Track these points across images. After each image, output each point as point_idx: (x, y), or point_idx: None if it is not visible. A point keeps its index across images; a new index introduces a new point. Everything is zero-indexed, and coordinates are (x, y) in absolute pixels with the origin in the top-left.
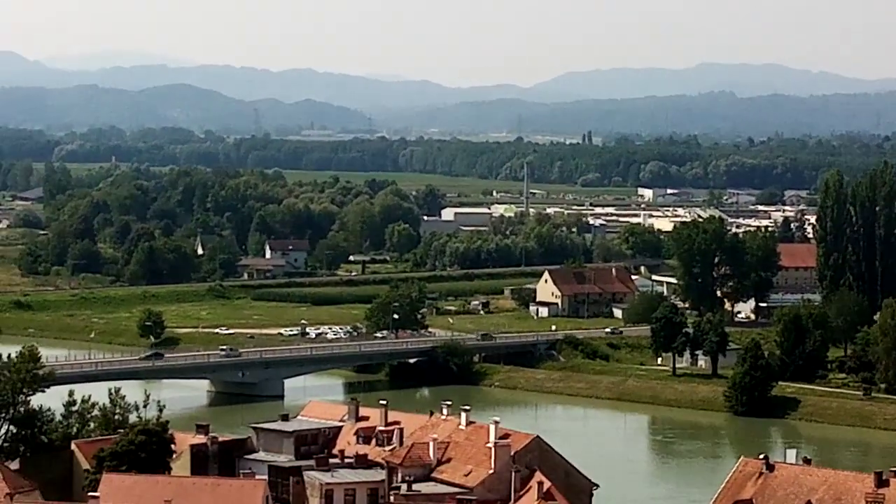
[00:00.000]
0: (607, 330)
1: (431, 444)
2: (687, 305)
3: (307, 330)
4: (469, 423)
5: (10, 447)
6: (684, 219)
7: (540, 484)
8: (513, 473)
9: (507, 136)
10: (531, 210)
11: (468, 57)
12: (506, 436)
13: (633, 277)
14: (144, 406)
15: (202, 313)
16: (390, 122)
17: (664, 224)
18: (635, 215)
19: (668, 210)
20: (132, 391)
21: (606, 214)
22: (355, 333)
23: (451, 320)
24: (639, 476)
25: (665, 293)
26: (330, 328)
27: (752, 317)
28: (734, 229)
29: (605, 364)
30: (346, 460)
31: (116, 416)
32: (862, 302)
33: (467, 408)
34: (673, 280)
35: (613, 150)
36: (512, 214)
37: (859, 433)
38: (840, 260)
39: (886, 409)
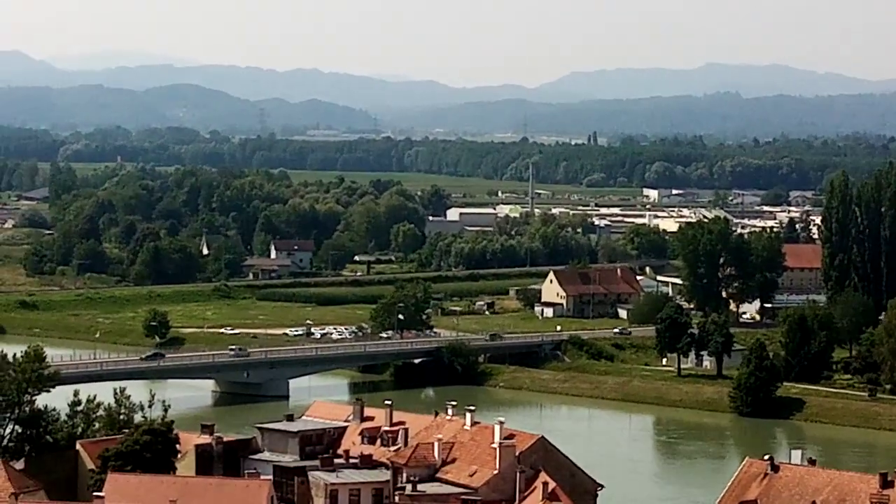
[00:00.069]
0: (616, 330)
1: (436, 444)
2: (692, 306)
3: (312, 330)
4: (474, 423)
5: (15, 447)
6: (689, 219)
7: (545, 484)
8: (518, 474)
9: (513, 137)
10: (536, 210)
11: (473, 57)
12: (510, 436)
13: (638, 278)
14: (149, 406)
15: (207, 313)
16: (395, 123)
17: (669, 224)
18: (640, 216)
19: (673, 210)
20: (137, 391)
21: (611, 215)
22: (360, 334)
23: (456, 321)
24: (643, 476)
25: (670, 294)
26: (335, 328)
27: (758, 317)
28: (739, 230)
29: (610, 364)
30: (351, 460)
31: (121, 416)
32: (867, 303)
33: (472, 408)
34: (678, 281)
35: (619, 150)
36: (517, 215)
37: (864, 434)
38: (845, 261)
39: (891, 410)
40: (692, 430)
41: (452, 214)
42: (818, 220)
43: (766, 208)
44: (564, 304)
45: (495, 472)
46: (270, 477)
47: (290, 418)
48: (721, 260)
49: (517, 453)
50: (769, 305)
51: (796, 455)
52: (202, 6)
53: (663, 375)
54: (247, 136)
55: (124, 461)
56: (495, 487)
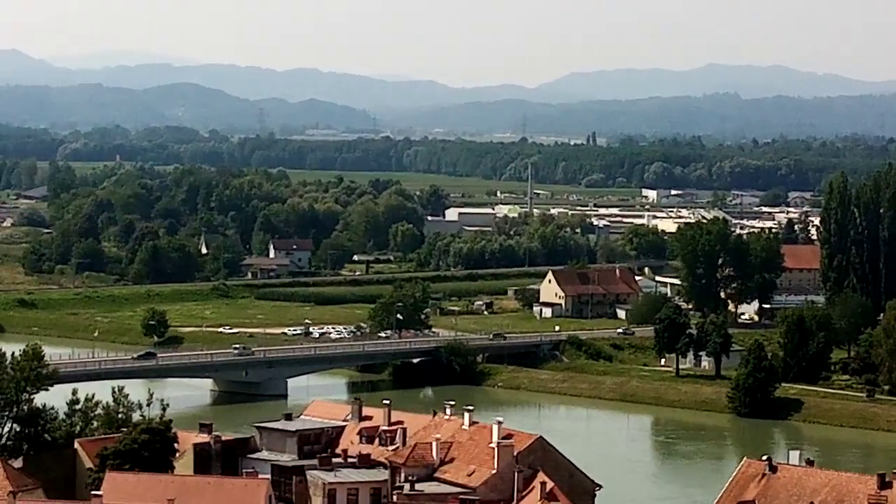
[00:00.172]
0: (619, 330)
1: (434, 444)
2: (690, 307)
3: (311, 329)
4: (472, 423)
5: (13, 445)
6: (688, 220)
7: (543, 484)
8: (516, 473)
9: (512, 137)
10: (535, 210)
11: (473, 57)
12: (509, 436)
13: (637, 278)
14: (148, 405)
15: (206, 312)
16: (395, 122)
17: (668, 225)
18: (639, 216)
19: (671, 211)
20: (135, 390)
21: (610, 215)
22: (359, 333)
23: (454, 320)
24: (642, 477)
25: (669, 294)
26: (333, 328)
27: (756, 318)
28: (738, 231)
29: (608, 365)
30: (350, 460)
31: (120, 415)
32: (865, 304)
33: (470, 408)
34: (676, 281)
35: (617, 150)
36: (516, 215)
37: (862, 435)
38: (844, 262)
39: (889, 411)
40: (690, 431)
41: (451, 214)
42: (817, 221)
43: (764, 209)
44: (563, 305)
45: (493, 471)
46: (268, 476)
47: (288, 417)
48: (720, 260)
49: (515, 453)
50: (768, 306)
51: (794, 455)
52: (202, 6)
53: (662, 376)
54: (246, 136)
55: (123, 460)
56: (493, 487)
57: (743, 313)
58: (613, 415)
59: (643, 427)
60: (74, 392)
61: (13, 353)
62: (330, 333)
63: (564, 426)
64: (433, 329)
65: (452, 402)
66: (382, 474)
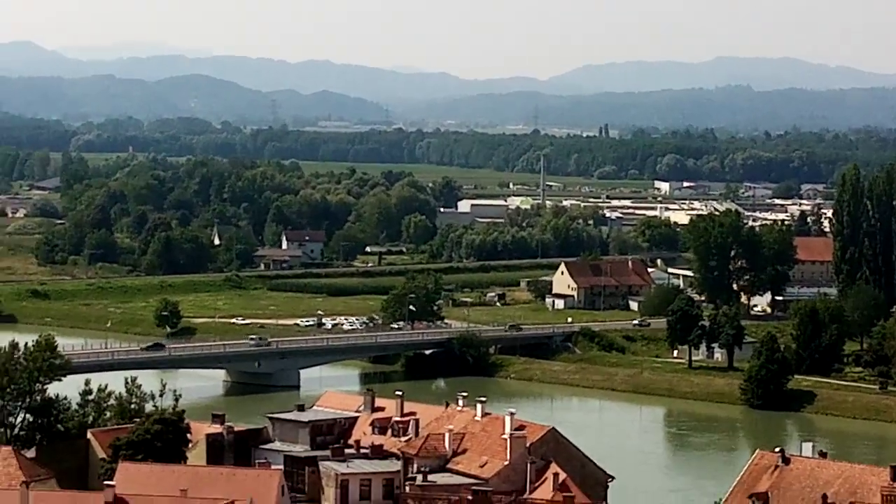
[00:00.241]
0: (635, 322)
1: (447, 435)
2: (703, 298)
3: (323, 320)
4: (485, 414)
5: (26, 436)
6: (701, 212)
7: (555, 475)
8: (528, 465)
9: (524, 129)
10: (547, 202)
11: (485, 49)
12: (521, 427)
13: (650, 270)
14: (160, 395)
15: (218, 303)
16: (407, 114)
17: (680, 217)
18: (652, 208)
19: (684, 203)
20: (148, 380)
21: (623, 207)
22: (371, 324)
23: (467, 312)
24: (654, 468)
25: (681, 286)
26: (346, 319)
27: (769, 310)
28: (750, 223)
29: (621, 356)
30: (362, 451)
31: (132, 406)
32: (878, 296)
33: (483, 399)
34: (689, 273)
35: (630, 143)
36: (528, 206)
37: (875, 427)
38: (856, 254)
39: None
40: (703, 422)
41: (464, 206)
42: (829, 213)
43: (777, 201)
44: (575, 296)
45: (506, 462)
46: (281, 467)
47: (300, 408)
48: (732, 252)
49: (528, 444)
50: (780, 298)
51: (807, 447)
52: None
53: (674, 367)
54: (258, 127)
55: (135, 450)
56: (506, 478)
57: (755, 305)
58: (626, 406)
59: (655, 419)
60: (87, 383)
61: (26, 344)
62: (342, 325)
63: (577, 417)
64: (445, 320)
65: (465, 394)
66: (395, 465)
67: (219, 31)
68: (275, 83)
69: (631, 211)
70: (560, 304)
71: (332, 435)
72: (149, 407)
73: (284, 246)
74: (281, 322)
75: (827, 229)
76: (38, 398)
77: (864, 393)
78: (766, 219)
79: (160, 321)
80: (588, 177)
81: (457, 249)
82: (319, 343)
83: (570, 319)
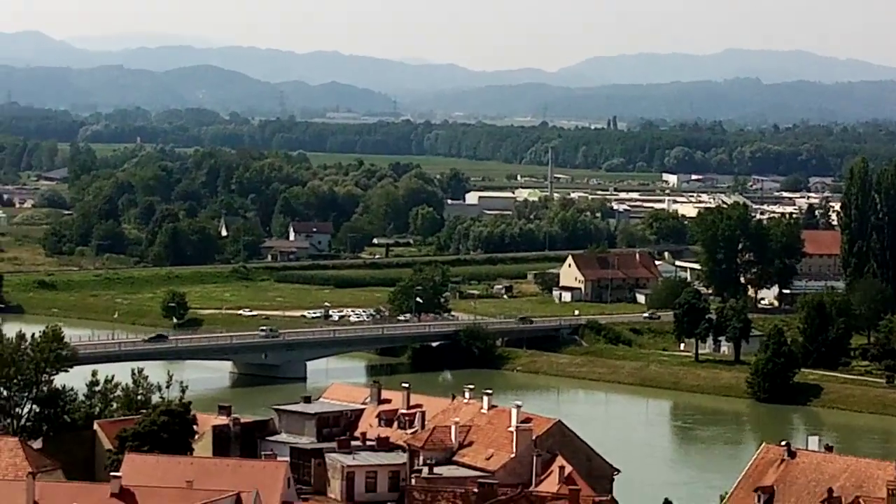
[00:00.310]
0: (645, 315)
1: (453, 427)
2: (710, 291)
3: (330, 312)
4: (491, 406)
5: (33, 426)
6: (708, 205)
7: (561, 468)
8: (534, 457)
9: (532, 121)
10: (555, 195)
11: (493, 41)
12: (527, 420)
13: (657, 263)
14: (167, 387)
15: (226, 295)
16: (415, 106)
17: (688, 210)
18: (659, 201)
19: (692, 196)
20: (155, 372)
21: (630, 200)
22: (378, 316)
23: (474, 304)
24: (660, 461)
25: (688, 279)
26: (353, 311)
27: (776, 303)
28: (758, 216)
29: (627, 349)
30: (368, 443)
31: (139, 397)
32: (885, 289)
33: (489, 391)
34: (696, 266)
35: (638, 135)
36: (536, 199)
37: (882, 421)
38: (864, 247)
39: None
40: (709, 416)
41: (471, 198)
42: (837, 206)
43: (785, 194)
44: (583, 289)
45: (512, 455)
46: (287, 458)
47: (307, 400)
48: (740, 245)
49: (534, 437)
50: (787, 291)
51: (813, 441)
52: None
53: (681, 360)
54: (266, 118)
55: (142, 441)
56: (512, 471)
57: (763, 298)
58: (632, 399)
59: (662, 412)
60: (94, 374)
61: (33, 335)
62: (349, 316)
63: (583, 410)
64: (452, 312)
65: (471, 386)
66: (401, 457)
67: (227, 21)
68: (283, 74)
69: (639, 203)
70: (567, 296)
71: (339, 427)
72: (155, 398)
73: (292, 237)
74: (288, 314)
75: (835, 222)
76: (45, 389)
77: (870, 387)
78: (774, 212)
79: (167, 312)
80: (596, 169)
81: (464, 242)
82: (326, 335)
83: (577, 312)
